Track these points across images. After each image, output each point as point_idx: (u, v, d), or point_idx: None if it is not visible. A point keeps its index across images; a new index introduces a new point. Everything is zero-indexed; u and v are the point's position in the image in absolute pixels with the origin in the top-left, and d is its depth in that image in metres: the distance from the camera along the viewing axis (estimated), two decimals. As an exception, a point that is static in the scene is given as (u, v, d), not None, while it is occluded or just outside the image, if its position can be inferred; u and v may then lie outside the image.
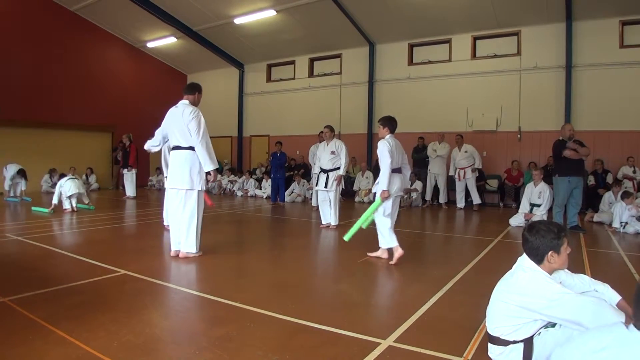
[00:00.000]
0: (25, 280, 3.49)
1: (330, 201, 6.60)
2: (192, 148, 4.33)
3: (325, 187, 6.57)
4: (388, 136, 4.40)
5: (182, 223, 4.37)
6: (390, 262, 4.31)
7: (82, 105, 13.19)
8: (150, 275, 3.70)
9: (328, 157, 6.61)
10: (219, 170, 10.26)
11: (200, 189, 4.39)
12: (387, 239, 4.37)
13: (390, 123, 4.45)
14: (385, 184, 4.21)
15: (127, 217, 8.03)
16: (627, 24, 9.34)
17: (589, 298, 1.81)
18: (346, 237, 4.60)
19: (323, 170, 6.66)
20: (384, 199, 4.25)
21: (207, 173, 4.41)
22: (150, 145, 4.81)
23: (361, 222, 4.48)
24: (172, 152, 4.46)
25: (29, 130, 11.74)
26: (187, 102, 4.46)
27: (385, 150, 4.24)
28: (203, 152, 4.26)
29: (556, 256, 1.95)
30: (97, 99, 13.60)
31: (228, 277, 3.93)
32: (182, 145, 4.35)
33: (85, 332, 2.44)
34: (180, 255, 4.38)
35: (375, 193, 4.43)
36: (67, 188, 7.96)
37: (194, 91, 4.58)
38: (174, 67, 16.10)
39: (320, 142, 9.05)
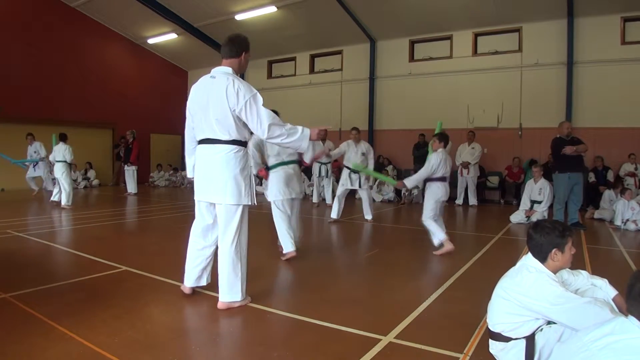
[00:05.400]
0: (26, 277, 3.50)
1: (364, 198, 7.17)
2: (237, 142, 2.80)
3: (360, 186, 7.06)
4: (441, 150, 4.81)
5: (222, 256, 2.83)
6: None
7: (83, 102, 13.14)
8: (151, 271, 3.71)
9: (359, 158, 6.99)
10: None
11: (248, 203, 2.85)
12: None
13: (445, 139, 4.93)
14: (412, 184, 4.92)
15: (128, 214, 8.03)
16: (628, 21, 9.28)
17: (589, 303, 1.79)
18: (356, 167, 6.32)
19: (353, 171, 6.97)
20: (401, 186, 5.28)
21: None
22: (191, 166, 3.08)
23: (373, 174, 6.87)
24: (202, 147, 2.89)
25: (29, 127, 11.67)
26: (229, 70, 2.86)
27: (433, 161, 4.69)
28: (290, 140, 2.78)
29: (560, 254, 1.93)
30: (97, 96, 13.55)
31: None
32: (221, 138, 2.78)
33: (86, 328, 2.44)
34: (220, 305, 2.83)
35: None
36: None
37: (239, 51, 2.87)
38: (175, 63, 16.03)
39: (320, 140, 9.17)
